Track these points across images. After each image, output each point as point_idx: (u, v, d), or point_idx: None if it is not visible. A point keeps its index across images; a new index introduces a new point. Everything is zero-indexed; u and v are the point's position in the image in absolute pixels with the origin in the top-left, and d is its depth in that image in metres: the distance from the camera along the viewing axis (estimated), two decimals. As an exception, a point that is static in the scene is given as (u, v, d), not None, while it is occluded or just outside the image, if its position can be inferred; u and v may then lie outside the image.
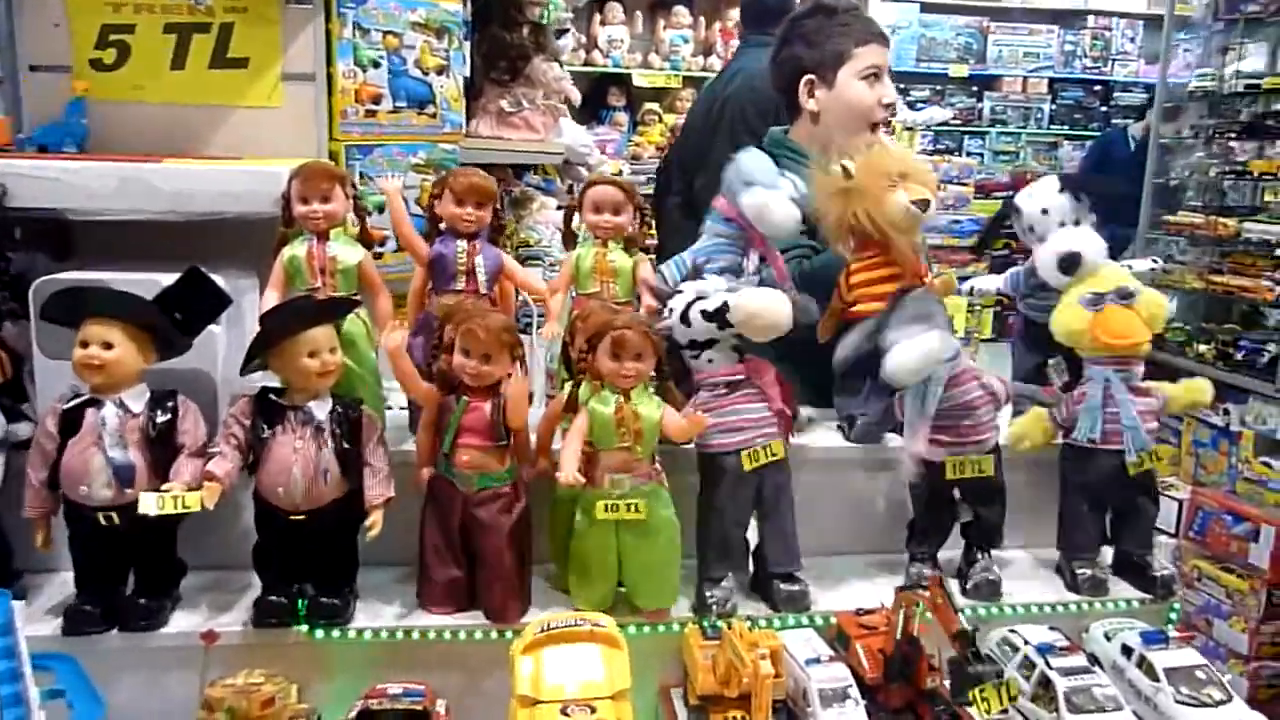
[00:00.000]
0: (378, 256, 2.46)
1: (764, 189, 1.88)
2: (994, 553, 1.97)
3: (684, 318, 1.78)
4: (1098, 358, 1.93)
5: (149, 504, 1.58)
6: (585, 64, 6.26)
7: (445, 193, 1.88)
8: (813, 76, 2.49)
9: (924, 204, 1.88)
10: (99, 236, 2.17)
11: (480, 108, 3.17)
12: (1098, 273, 1.94)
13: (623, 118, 6.50)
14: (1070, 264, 1.95)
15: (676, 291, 1.84)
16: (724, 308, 1.74)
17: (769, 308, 1.74)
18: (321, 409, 1.69)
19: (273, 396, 1.69)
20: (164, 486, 1.61)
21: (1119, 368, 1.92)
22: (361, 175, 2.44)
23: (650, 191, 4.16)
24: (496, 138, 3.13)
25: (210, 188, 1.93)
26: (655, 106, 6.55)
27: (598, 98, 6.44)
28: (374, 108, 2.47)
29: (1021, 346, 2.24)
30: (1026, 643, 1.75)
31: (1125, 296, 1.90)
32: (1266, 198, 4.85)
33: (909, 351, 1.77)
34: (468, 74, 3.07)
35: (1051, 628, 1.81)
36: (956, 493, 1.94)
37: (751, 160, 1.93)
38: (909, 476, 1.91)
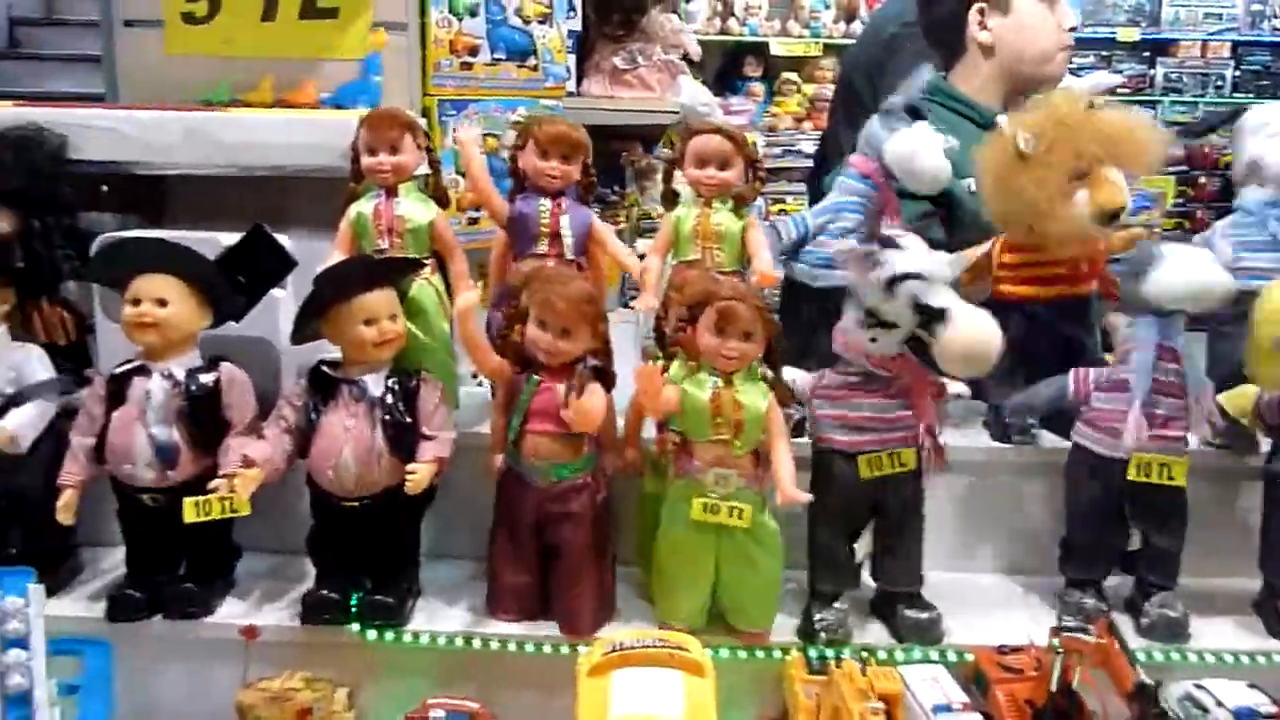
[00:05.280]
0: (473, 222, 2.30)
1: (912, 134, 1.65)
2: (1180, 581, 1.61)
3: (890, 285, 1.44)
4: None
5: (190, 512, 1.44)
6: (720, 32, 5.97)
7: (529, 144, 1.65)
8: (984, 3, 2.12)
9: (1110, 216, 1.51)
10: (193, 198, 2.09)
11: (593, 65, 2.95)
12: None
13: (759, 88, 6.13)
14: None
15: (802, 241, 1.73)
16: (942, 314, 1.43)
17: (986, 347, 1.43)
18: (378, 383, 1.50)
19: (326, 369, 1.51)
20: (210, 484, 1.45)
21: None
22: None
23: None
24: (608, 96, 2.90)
25: (273, 139, 1.78)
26: (794, 76, 6.17)
27: (733, 67, 6.12)
28: (470, 59, 2.28)
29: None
30: (1219, 704, 1.38)
31: None
32: None
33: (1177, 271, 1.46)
34: (579, 28, 2.86)
35: (1251, 685, 1.43)
36: (1127, 507, 1.59)
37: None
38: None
